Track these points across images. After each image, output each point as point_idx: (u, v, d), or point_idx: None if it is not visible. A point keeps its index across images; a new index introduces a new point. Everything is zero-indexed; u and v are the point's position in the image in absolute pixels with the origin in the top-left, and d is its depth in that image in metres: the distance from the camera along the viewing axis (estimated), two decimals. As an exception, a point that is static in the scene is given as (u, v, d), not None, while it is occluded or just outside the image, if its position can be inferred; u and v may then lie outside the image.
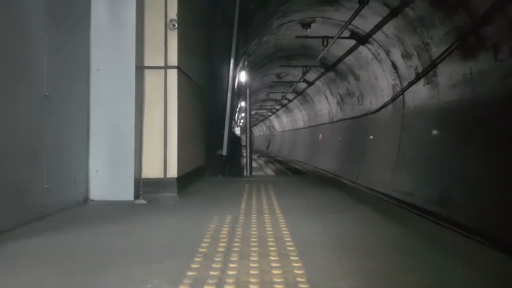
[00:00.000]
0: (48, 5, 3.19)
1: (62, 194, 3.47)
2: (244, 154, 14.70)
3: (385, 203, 7.39)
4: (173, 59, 4.34)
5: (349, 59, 15.08)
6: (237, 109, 20.38)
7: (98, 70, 3.95)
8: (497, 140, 7.74)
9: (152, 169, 4.25)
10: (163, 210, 3.70)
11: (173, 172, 4.32)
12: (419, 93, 11.12)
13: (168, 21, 4.31)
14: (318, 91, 21.97)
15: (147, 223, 3.19)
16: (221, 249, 2.36)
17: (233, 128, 11.98)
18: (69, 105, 3.62)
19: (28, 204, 2.98)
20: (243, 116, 29.36)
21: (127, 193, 3.97)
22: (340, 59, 15.63)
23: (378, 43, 12.39)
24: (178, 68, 4.36)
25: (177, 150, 4.34)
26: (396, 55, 11.81)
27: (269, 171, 23.49)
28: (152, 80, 4.29)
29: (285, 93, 28.05)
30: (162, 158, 4.28)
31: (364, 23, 11.83)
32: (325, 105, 22.01)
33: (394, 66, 12.27)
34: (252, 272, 1.99)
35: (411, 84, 11.40)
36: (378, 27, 11.52)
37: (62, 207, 3.42)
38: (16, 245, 2.45)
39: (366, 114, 15.53)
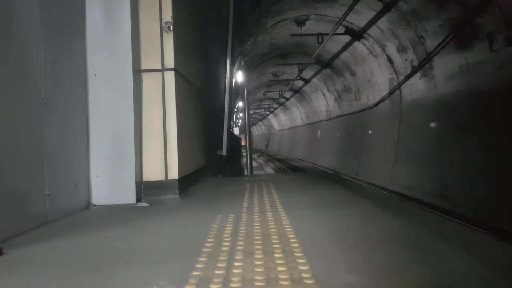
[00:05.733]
0: (43, 12, 3.20)
1: (64, 200, 3.47)
2: (244, 153, 14.71)
3: (387, 197, 7.40)
4: (170, 62, 4.34)
5: (345, 55, 15.10)
6: (235, 109, 20.38)
7: (95, 75, 3.96)
8: (495, 130, 7.77)
9: (153, 172, 4.26)
10: (166, 212, 3.71)
11: (174, 174, 4.33)
12: (416, 86, 11.14)
13: (163, 23, 4.31)
14: (315, 88, 21.99)
15: (150, 225, 3.20)
16: (225, 248, 2.37)
17: (232, 128, 11.99)
18: (68, 111, 3.62)
19: (30, 211, 2.99)
20: (241, 116, 29.37)
21: (129, 197, 3.98)
22: (336, 56, 15.64)
23: (373, 38, 12.40)
24: (175, 70, 4.37)
25: (177, 152, 4.35)
26: (392, 49, 11.83)
27: (269, 170, 23.50)
28: (150, 83, 4.29)
29: (282, 92, 28.06)
30: (163, 160, 4.29)
31: (358, 19, 11.84)
32: (323, 102, 22.03)
33: (390, 60, 12.29)
34: (257, 269, 2.00)
35: (407, 77, 11.42)
36: (372, 22, 11.54)
37: (64, 212, 3.42)
38: (20, 251, 2.45)
39: (363, 110, 15.55)
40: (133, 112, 4.03)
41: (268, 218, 3.16)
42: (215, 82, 7.83)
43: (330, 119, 21.27)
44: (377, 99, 14.05)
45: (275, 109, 38.95)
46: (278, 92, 28.93)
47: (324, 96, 21.28)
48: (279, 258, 2.17)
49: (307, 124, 27.89)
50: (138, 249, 2.51)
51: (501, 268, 2.03)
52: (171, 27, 4.31)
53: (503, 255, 2.28)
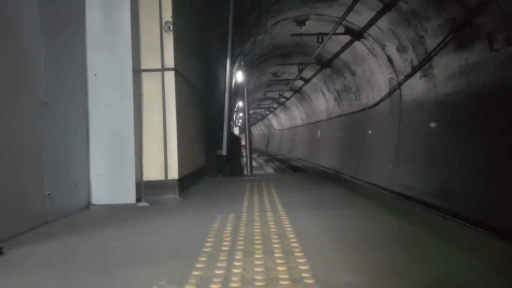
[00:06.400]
0: (43, 12, 3.20)
1: (64, 200, 3.47)
2: (244, 153, 14.71)
3: (387, 197, 7.41)
4: (170, 61, 4.34)
5: (345, 55, 15.09)
6: (235, 109, 20.38)
7: (95, 75, 3.96)
8: (495, 129, 7.77)
9: (153, 172, 4.26)
10: (166, 212, 3.71)
11: (174, 173, 4.33)
12: (416, 86, 11.14)
13: (163, 23, 4.31)
14: (315, 88, 21.98)
15: (150, 225, 3.20)
16: (225, 248, 2.37)
17: (232, 128, 11.98)
18: (67, 111, 3.62)
19: (30, 211, 2.99)
20: (241, 116, 29.36)
21: (129, 197, 3.98)
22: (336, 55, 15.64)
23: (373, 38, 12.40)
24: (175, 70, 4.37)
25: (177, 152, 4.35)
26: (391, 49, 11.83)
27: (269, 169, 23.50)
28: (150, 83, 4.29)
29: (282, 91, 28.05)
30: (163, 160, 4.29)
31: (358, 19, 11.84)
32: (323, 101, 22.03)
33: (390, 60, 12.29)
34: (257, 269, 2.00)
35: (407, 77, 11.41)
36: (372, 21, 11.53)
37: (64, 212, 3.42)
38: (20, 251, 2.45)
39: (363, 109, 15.55)
40: (133, 112, 4.03)
41: (268, 218, 3.16)
42: (215, 82, 7.83)
43: (330, 119, 21.26)
44: (377, 98, 14.05)
45: (275, 108, 38.94)
46: (278, 92, 28.92)
47: (324, 96, 21.28)
48: (279, 258, 2.17)
49: (307, 124, 27.89)
50: (138, 249, 2.51)
51: (501, 268, 2.03)
52: (171, 27, 4.31)
53: (503, 255, 2.28)
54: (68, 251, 2.52)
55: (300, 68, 18.69)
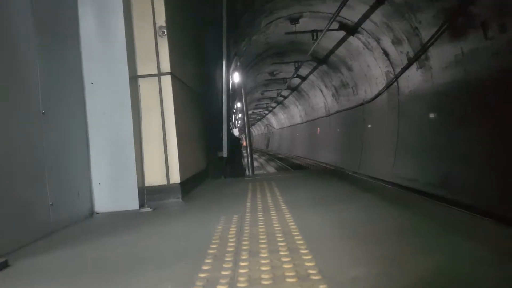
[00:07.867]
0: (37, 23, 3.20)
1: (67, 209, 3.47)
2: (245, 154, 14.70)
3: (390, 190, 7.40)
4: (166, 66, 4.34)
5: (340, 50, 15.09)
6: (234, 110, 20.38)
7: (92, 83, 3.95)
8: (492, 117, 7.76)
9: (154, 177, 4.26)
10: (169, 216, 3.71)
11: (175, 177, 4.33)
12: (413, 78, 11.14)
13: (157, 28, 4.31)
14: (313, 85, 21.99)
15: (154, 230, 3.20)
16: (231, 249, 2.37)
17: (232, 129, 11.98)
18: (66, 120, 3.62)
19: (33, 223, 2.99)
20: (240, 117, 29.34)
21: (131, 203, 3.98)
22: (332, 52, 15.64)
23: (368, 32, 12.40)
24: (172, 74, 4.37)
25: (178, 156, 4.35)
26: (387, 42, 11.83)
27: (270, 169, 23.50)
28: (147, 88, 4.29)
29: (279, 90, 28.07)
30: (164, 165, 4.29)
31: (352, 14, 11.84)
32: (321, 98, 22.03)
33: (386, 53, 12.29)
34: (263, 268, 2.00)
35: (404, 69, 11.42)
36: (366, 16, 11.54)
37: (68, 222, 3.42)
38: (25, 263, 2.45)
39: (362, 104, 15.55)
40: (131, 118, 4.03)
41: (272, 217, 3.16)
42: (212, 84, 7.83)
43: (329, 115, 21.26)
44: (375, 92, 14.05)
45: (274, 108, 38.95)
46: (275, 91, 28.93)
47: (322, 93, 21.28)
48: (285, 256, 2.16)
49: (306, 121, 27.89)
50: (143, 255, 2.51)
51: (508, 254, 2.03)
52: (165, 31, 4.31)
53: (509, 242, 2.28)
54: (74, 260, 2.52)
55: (296, 66, 18.69)
